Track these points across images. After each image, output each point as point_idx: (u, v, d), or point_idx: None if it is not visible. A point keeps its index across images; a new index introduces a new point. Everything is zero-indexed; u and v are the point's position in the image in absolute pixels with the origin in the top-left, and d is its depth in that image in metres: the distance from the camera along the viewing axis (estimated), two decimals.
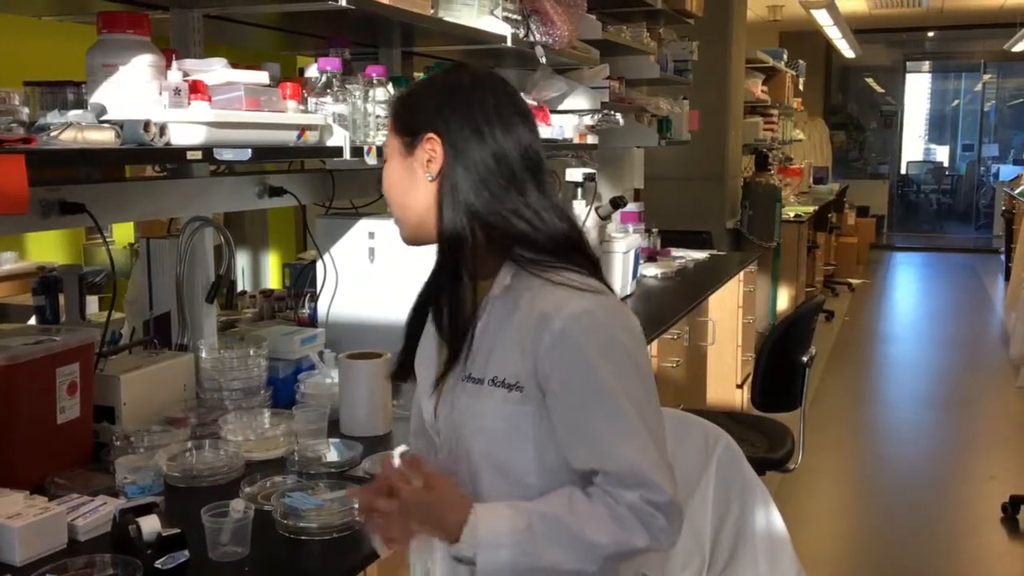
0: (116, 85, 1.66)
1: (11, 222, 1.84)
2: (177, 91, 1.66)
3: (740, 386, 4.76)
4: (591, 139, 3.56)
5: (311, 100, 2.08)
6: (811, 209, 8.29)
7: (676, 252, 4.69)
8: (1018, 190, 9.85)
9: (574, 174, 3.71)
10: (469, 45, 2.85)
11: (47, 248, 4.88)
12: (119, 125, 1.58)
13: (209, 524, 1.50)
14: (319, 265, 2.57)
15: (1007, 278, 9.10)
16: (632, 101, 4.36)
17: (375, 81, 2.22)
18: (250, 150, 1.81)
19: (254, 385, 2.16)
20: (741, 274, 4.64)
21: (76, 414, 1.82)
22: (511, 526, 1.24)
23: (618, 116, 3.79)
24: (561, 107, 3.48)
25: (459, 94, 1.33)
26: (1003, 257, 10.40)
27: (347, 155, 2.10)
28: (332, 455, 1.91)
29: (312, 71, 2.20)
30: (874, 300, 9.69)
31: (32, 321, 2.55)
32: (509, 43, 2.73)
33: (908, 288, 10.98)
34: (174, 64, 1.73)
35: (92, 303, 2.82)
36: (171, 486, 1.76)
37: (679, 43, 4.98)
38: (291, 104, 1.96)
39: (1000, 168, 14.70)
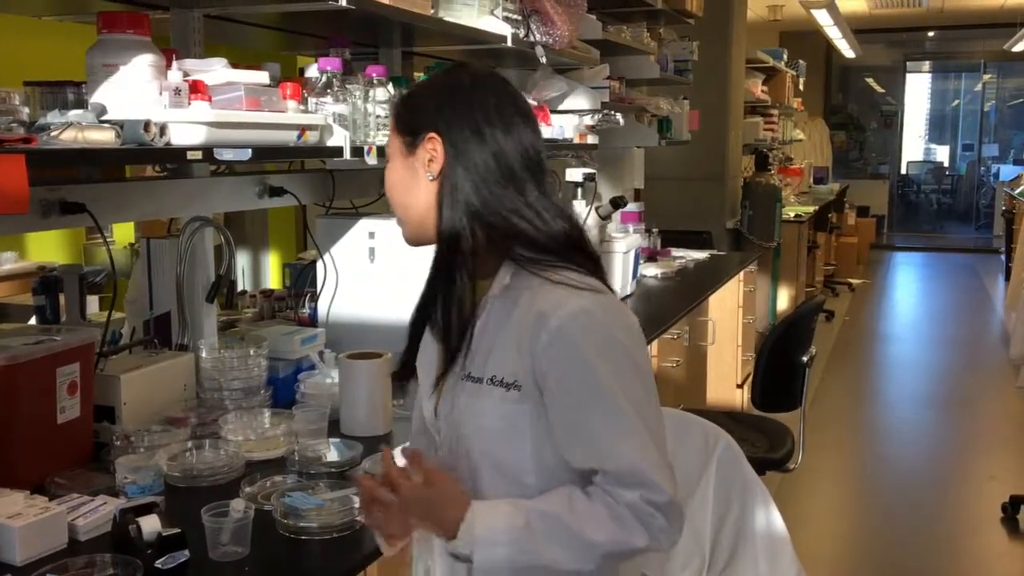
0: (116, 85, 1.66)
1: (11, 222, 1.84)
2: (177, 91, 1.66)
3: (740, 386, 4.76)
4: (591, 139, 3.56)
5: (311, 100, 2.09)
6: (811, 209, 8.29)
7: (676, 252, 4.70)
8: (1018, 190, 9.85)
9: (574, 174, 3.72)
10: (469, 45, 2.85)
11: (47, 248, 4.88)
12: (119, 125, 1.58)
13: (209, 524, 1.50)
14: (319, 265, 2.57)
15: (1007, 278, 9.11)
16: (632, 101, 4.36)
17: (375, 81, 2.22)
18: (250, 150, 1.81)
19: (254, 385, 2.17)
20: (741, 274, 4.64)
21: (76, 414, 1.82)
22: (508, 524, 1.24)
23: (618, 116, 3.79)
24: (561, 107, 3.48)
25: (460, 94, 1.33)
26: (1003, 257, 10.40)
27: (347, 155, 2.10)
28: (332, 455, 1.91)
29: (312, 71, 2.20)
30: (874, 300, 9.69)
31: (32, 321, 2.56)
32: (509, 43, 2.73)
33: (908, 288, 10.98)
34: (174, 64, 1.73)
35: (92, 303, 2.83)
36: (171, 486, 1.77)
37: (679, 43, 4.98)
38: (291, 104, 1.97)
39: (1000, 168, 14.70)
